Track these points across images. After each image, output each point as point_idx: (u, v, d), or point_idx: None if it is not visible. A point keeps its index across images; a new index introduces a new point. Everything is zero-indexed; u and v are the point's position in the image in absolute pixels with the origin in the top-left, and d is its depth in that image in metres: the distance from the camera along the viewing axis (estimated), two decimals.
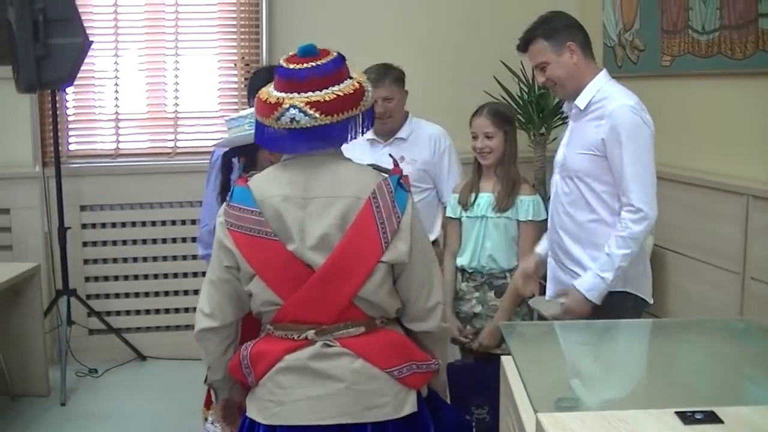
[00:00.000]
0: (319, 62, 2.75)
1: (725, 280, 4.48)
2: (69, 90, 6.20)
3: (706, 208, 4.66)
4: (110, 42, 6.28)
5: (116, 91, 6.36)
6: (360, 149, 4.55)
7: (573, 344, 3.02)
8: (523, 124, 5.62)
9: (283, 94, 2.71)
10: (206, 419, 3.74)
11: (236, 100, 6.47)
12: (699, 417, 2.15)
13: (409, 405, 2.77)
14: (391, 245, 2.71)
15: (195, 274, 6.40)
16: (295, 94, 2.70)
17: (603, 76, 3.68)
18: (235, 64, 6.49)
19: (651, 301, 3.72)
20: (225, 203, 2.82)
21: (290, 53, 2.83)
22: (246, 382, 2.87)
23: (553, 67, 3.65)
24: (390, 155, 3.17)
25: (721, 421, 2.14)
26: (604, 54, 5.96)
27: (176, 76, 6.42)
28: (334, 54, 2.83)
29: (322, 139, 2.74)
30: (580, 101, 3.65)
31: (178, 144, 6.48)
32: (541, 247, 3.97)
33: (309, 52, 2.78)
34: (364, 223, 2.70)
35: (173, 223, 6.42)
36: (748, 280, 4.31)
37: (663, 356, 2.87)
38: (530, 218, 4.18)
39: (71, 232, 6.02)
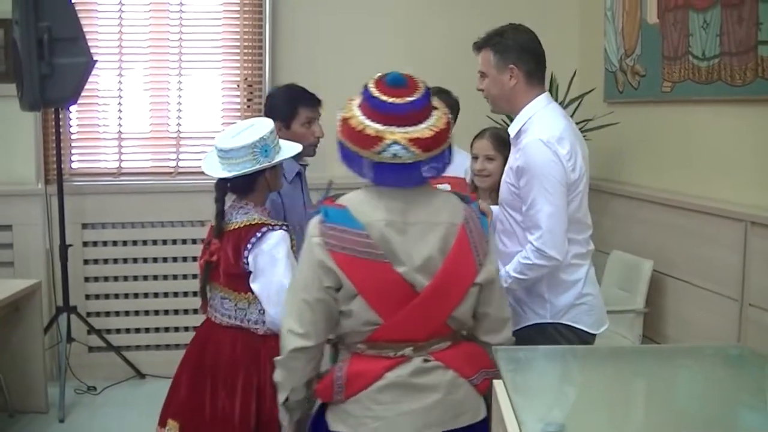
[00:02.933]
0: (414, 97, 2.84)
1: (723, 306, 4.48)
2: (72, 108, 6.25)
3: (705, 233, 4.67)
4: (114, 61, 6.33)
5: (119, 110, 6.39)
6: None
7: (566, 369, 3.02)
8: None
9: (381, 127, 2.79)
10: None
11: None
12: None
13: (483, 409, 2.98)
14: (484, 267, 2.92)
15: (195, 294, 6.36)
16: (395, 128, 2.79)
17: (539, 102, 3.58)
18: (238, 85, 6.52)
19: (595, 332, 3.63)
20: (319, 222, 2.87)
21: (377, 78, 2.91)
22: (328, 399, 2.97)
23: (490, 81, 3.61)
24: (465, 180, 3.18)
25: None
26: (605, 79, 6.00)
27: (179, 95, 6.46)
28: (423, 87, 2.90)
29: (417, 173, 2.84)
30: (512, 129, 3.61)
31: (180, 164, 6.51)
32: None
33: (400, 82, 2.87)
34: (461, 247, 2.88)
35: (174, 242, 6.44)
36: (746, 306, 4.32)
37: (656, 382, 2.86)
38: None
39: (72, 249, 6.05)
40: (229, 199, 3.71)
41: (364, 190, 2.95)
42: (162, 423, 3.71)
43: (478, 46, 3.67)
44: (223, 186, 3.65)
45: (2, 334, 5.50)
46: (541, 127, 3.48)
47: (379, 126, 2.79)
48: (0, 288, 5.30)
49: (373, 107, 2.82)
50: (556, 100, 4.60)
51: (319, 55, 6.38)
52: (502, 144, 4.18)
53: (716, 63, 4.67)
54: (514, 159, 3.55)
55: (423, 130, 2.81)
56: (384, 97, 2.82)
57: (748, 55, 4.41)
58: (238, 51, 6.47)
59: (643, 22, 5.46)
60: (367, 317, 2.85)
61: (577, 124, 4.21)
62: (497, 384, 2.66)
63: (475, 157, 4.29)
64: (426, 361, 2.89)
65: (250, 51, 6.45)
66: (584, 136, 3.99)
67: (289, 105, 4.28)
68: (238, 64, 6.48)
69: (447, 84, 4.84)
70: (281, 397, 3.04)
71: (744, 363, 3.05)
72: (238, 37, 6.45)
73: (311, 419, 3.10)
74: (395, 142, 2.77)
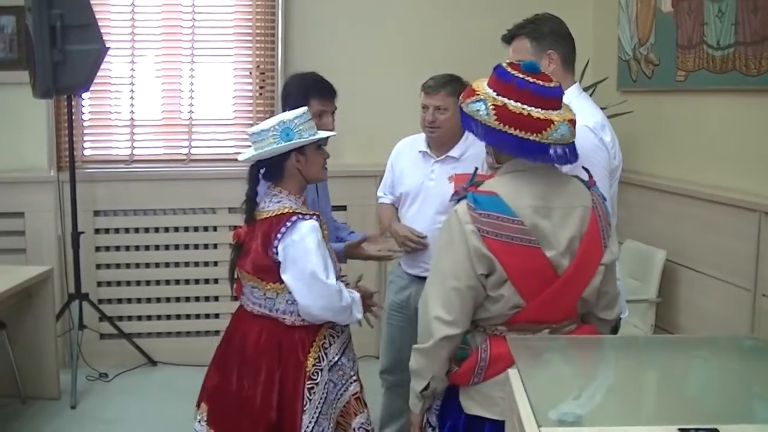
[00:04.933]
0: (557, 83, 2.94)
1: (736, 296, 4.48)
2: (85, 95, 6.25)
3: (719, 224, 4.65)
4: (127, 48, 6.33)
5: (132, 98, 6.40)
6: (412, 161, 4.52)
7: (579, 359, 3.01)
8: None
9: (543, 111, 2.84)
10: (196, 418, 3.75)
11: (251, 108, 6.51)
12: None
13: None
14: (608, 248, 2.99)
15: (206, 281, 6.43)
16: (551, 111, 2.87)
17: (572, 90, 3.58)
18: (251, 72, 6.52)
19: (623, 316, 3.63)
20: (468, 209, 2.87)
21: (510, 64, 2.95)
22: (465, 384, 3.00)
23: None
24: (584, 168, 3.15)
25: None
26: (618, 68, 5.98)
27: (191, 83, 6.46)
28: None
29: (574, 152, 2.93)
30: None
31: (193, 151, 6.51)
32: None
33: (536, 68, 2.95)
34: (593, 229, 2.95)
35: (186, 229, 6.45)
36: (759, 296, 4.31)
37: (669, 372, 2.85)
38: None
39: (84, 236, 6.07)
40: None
41: (509, 177, 2.96)
42: (198, 404, 3.75)
43: (511, 36, 3.64)
44: (253, 172, 3.62)
45: (15, 320, 5.51)
46: (583, 114, 3.48)
47: (540, 110, 2.84)
48: (12, 275, 5.33)
49: (534, 92, 2.85)
50: None
51: (332, 43, 6.37)
52: None
53: (731, 52, 4.65)
54: None
55: (569, 112, 2.95)
56: (541, 82, 2.88)
57: (764, 44, 4.40)
58: (250, 38, 6.46)
59: (657, 10, 5.44)
60: (514, 301, 2.88)
61: None
62: (512, 373, 2.65)
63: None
64: None
65: (262, 39, 6.45)
66: None
67: (301, 95, 4.18)
68: (251, 52, 6.48)
69: (461, 71, 4.82)
70: (419, 386, 3.03)
71: (757, 353, 3.04)
72: (250, 24, 6.44)
73: (440, 404, 3.12)
74: (562, 123, 2.84)
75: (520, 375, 2.58)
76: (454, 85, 4.36)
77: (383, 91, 6.38)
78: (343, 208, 6.09)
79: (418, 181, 4.39)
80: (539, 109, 2.83)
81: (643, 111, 5.66)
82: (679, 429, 2.16)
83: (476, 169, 3.21)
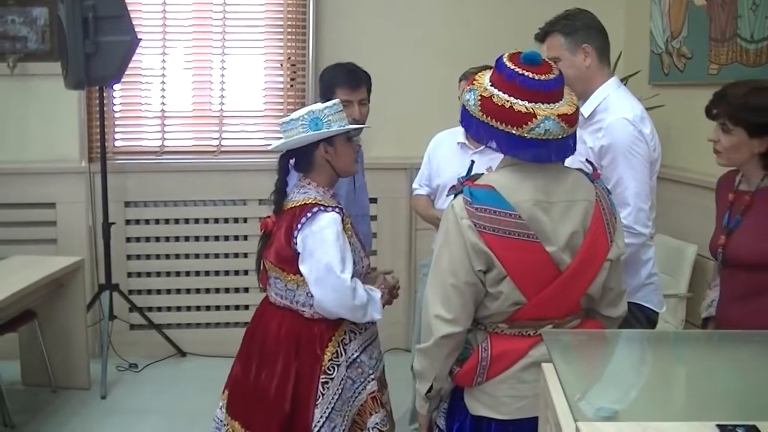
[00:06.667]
0: (555, 74, 2.85)
1: None
2: (116, 87, 6.27)
3: None
4: (158, 40, 6.36)
5: (163, 89, 6.42)
6: (450, 153, 4.52)
7: (615, 354, 3.00)
8: None
9: (530, 104, 2.77)
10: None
11: (281, 100, 6.51)
12: (740, 431, 2.13)
13: None
14: (614, 243, 2.92)
15: (236, 272, 6.44)
16: (542, 105, 2.78)
17: (611, 83, 3.60)
18: (282, 64, 6.52)
19: (660, 311, 3.70)
20: (465, 204, 2.83)
21: (510, 55, 2.88)
22: (468, 384, 2.95)
23: (564, 64, 3.51)
24: (587, 161, 3.12)
25: None
26: (650, 61, 5.94)
27: (222, 75, 6.47)
28: (554, 65, 2.91)
29: (563, 150, 2.86)
30: (585, 109, 3.57)
31: (223, 142, 6.53)
32: None
33: (537, 60, 2.85)
34: (598, 224, 2.88)
35: (216, 221, 6.47)
36: None
37: (706, 368, 2.83)
38: None
39: (115, 227, 6.10)
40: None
41: (507, 170, 2.91)
42: (223, 390, 3.78)
43: (544, 33, 3.64)
44: (283, 162, 3.62)
45: (46, 311, 5.55)
46: (623, 106, 3.50)
47: (527, 103, 2.77)
48: (44, 265, 5.38)
49: (521, 84, 2.79)
50: None
51: (363, 34, 6.36)
52: None
53: (765, 45, 4.62)
54: (594, 138, 3.52)
55: (566, 106, 2.84)
56: (530, 74, 2.80)
57: None
58: (281, 30, 6.46)
59: (689, 3, 5.40)
60: (515, 298, 2.83)
61: None
62: (546, 368, 2.64)
63: None
64: None
65: (293, 30, 6.45)
66: None
67: (327, 86, 4.19)
68: (282, 44, 6.48)
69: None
70: (423, 388, 2.99)
71: None
72: (281, 16, 6.45)
73: (446, 406, 3.09)
74: (547, 118, 2.76)
75: (556, 369, 2.57)
76: None
77: (415, 83, 6.37)
78: (374, 200, 6.08)
79: (457, 173, 4.38)
80: (525, 102, 2.77)
81: (675, 105, 5.61)
82: (718, 425, 2.15)
83: (472, 162, 3.18)
